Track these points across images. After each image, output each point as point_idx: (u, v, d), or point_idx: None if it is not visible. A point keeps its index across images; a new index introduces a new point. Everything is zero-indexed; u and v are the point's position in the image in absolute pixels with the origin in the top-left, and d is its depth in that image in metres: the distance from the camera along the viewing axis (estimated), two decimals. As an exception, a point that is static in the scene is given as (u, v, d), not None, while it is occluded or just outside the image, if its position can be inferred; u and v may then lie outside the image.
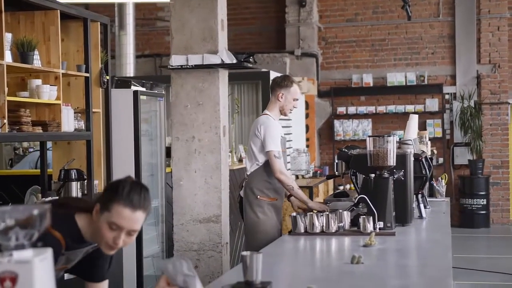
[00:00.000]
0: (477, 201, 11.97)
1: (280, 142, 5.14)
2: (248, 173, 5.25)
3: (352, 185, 11.79)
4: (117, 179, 2.59)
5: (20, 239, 1.76)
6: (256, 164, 5.16)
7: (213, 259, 5.44)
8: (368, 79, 12.64)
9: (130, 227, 2.46)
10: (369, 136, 4.42)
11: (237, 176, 7.33)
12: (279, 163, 5.03)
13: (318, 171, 11.13)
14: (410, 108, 12.35)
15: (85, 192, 5.65)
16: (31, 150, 8.67)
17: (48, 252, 1.79)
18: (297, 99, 5.29)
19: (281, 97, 5.25)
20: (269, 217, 5.13)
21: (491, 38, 12.33)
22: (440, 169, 12.10)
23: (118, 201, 2.46)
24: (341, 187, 11.82)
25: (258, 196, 5.13)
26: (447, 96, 12.48)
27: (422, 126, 12.01)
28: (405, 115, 12.32)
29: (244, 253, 2.63)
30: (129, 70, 10.17)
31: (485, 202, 11.99)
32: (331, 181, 11.22)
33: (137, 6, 12.11)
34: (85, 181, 5.64)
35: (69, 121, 5.34)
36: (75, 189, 5.52)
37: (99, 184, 5.90)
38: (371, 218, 4.12)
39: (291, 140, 10.63)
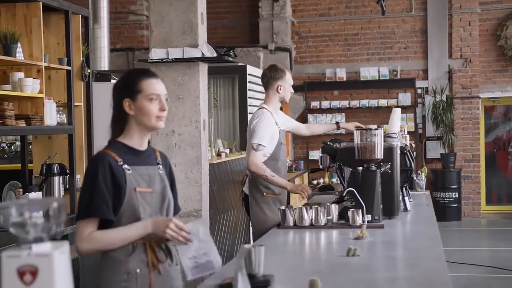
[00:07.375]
0: (449, 194, 12.11)
1: (279, 134, 5.10)
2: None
3: (327, 179, 11.86)
4: (118, 79, 2.91)
5: (38, 232, 1.74)
6: None
7: (194, 253, 5.40)
8: (341, 74, 12.69)
9: (163, 91, 2.82)
10: (357, 129, 4.44)
11: (215, 170, 7.30)
12: (254, 156, 4.94)
13: (294, 165, 11.18)
14: (383, 102, 12.42)
15: (67, 187, 5.58)
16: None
17: (65, 246, 1.77)
18: (292, 83, 5.35)
19: (280, 89, 5.22)
20: (276, 213, 5.02)
21: (463, 33, 12.46)
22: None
23: (141, 79, 2.79)
24: (316, 181, 11.88)
25: (264, 193, 5.06)
26: (419, 91, 12.59)
27: (395, 120, 12.09)
28: (378, 109, 12.42)
29: (247, 246, 2.63)
30: (104, 64, 10.05)
31: (457, 195, 12.14)
32: (305, 175, 11.27)
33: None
34: (67, 175, 5.57)
35: (51, 115, 5.27)
36: (57, 184, 5.45)
37: (81, 179, 5.84)
38: (360, 211, 4.15)
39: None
